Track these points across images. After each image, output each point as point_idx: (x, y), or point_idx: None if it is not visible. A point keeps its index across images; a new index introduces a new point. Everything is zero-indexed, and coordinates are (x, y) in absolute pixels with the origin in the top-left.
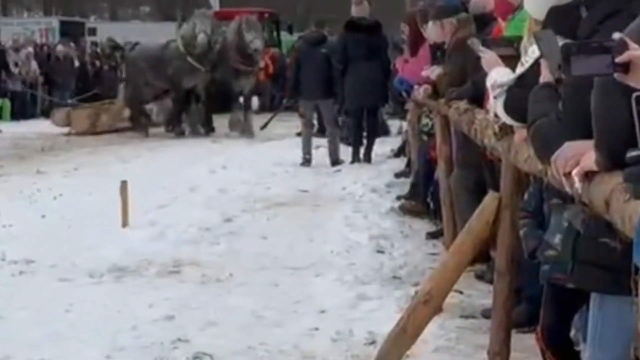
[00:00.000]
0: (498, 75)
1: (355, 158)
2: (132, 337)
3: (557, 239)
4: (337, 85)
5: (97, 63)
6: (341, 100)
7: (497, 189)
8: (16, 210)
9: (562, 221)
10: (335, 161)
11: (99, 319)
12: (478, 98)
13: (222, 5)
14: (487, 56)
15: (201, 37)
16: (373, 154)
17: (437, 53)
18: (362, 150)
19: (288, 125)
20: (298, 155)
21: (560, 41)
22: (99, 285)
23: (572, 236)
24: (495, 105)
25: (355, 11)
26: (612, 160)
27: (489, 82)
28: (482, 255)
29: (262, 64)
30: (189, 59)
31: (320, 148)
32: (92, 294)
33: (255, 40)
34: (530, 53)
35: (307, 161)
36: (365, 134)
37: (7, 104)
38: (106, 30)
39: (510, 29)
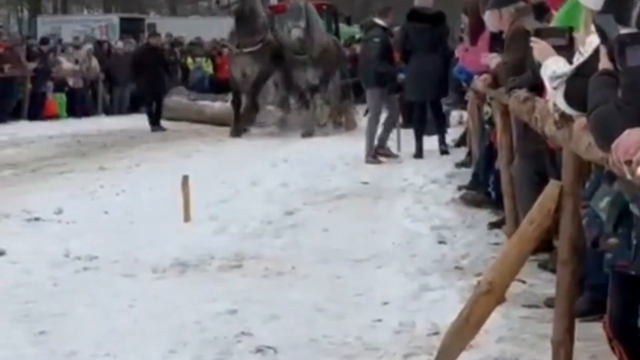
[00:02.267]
0: (555, 66)
1: (418, 153)
2: (196, 332)
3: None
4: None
5: None
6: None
7: (558, 177)
8: (79, 206)
9: (609, 194)
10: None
11: (162, 314)
12: (538, 87)
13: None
14: (540, 46)
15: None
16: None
17: (496, 42)
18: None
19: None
20: (358, 147)
21: (619, 30)
22: (162, 281)
23: (617, 208)
24: (555, 95)
25: (418, 1)
26: None
27: (545, 73)
28: (544, 244)
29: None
30: None
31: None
32: (155, 289)
33: (293, 29)
34: (589, 43)
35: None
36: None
37: (63, 99)
38: (165, 26)
39: (561, 19)
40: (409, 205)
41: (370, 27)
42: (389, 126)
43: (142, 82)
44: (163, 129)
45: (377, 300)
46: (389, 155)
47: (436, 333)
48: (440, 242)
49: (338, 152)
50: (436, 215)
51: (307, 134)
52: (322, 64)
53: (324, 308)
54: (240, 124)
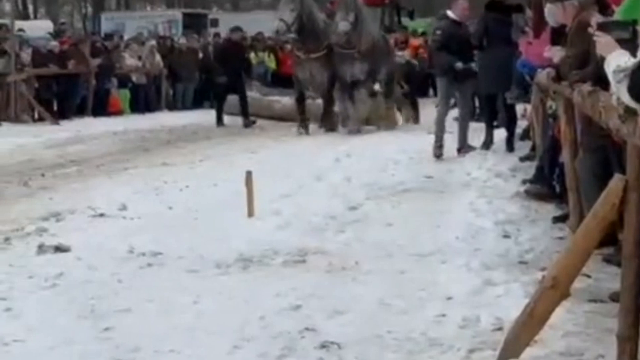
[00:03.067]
0: (618, 60)
1: (488, 145)
2: (260, 327)
3: None
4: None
5: None
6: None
7: (623, 171)
8: (143, 202)
9: None
10: (460, 148)
11: (227, 309)
12: (602, 80)
13: None
14: (604, 40)
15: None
16: (496, 139)
17: (559, 35)
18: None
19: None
20: (422, 141)
21: None
22: (226, 276)
23: None
24: (619, 89)
25: None
26: None
27: (608, 67)
28: (609, 238)
29: None
30: None
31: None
32: (219, 284)
33: (341, 23)
34: None
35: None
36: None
37: (127, 95)
38: (228, 21)
39: (624, 13)
40: (473, 199)
41: (440, 18)
42: (463, 122)
43: (220, 77)
44: (253, 122)
45: (441, 295)
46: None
47: (500, 328)
48: (505, 237)
49: (401, 146)
50: (500, 210)
51: (355, 130)
52: (369, 59)
53: (388, 303)
54: (306, 121)
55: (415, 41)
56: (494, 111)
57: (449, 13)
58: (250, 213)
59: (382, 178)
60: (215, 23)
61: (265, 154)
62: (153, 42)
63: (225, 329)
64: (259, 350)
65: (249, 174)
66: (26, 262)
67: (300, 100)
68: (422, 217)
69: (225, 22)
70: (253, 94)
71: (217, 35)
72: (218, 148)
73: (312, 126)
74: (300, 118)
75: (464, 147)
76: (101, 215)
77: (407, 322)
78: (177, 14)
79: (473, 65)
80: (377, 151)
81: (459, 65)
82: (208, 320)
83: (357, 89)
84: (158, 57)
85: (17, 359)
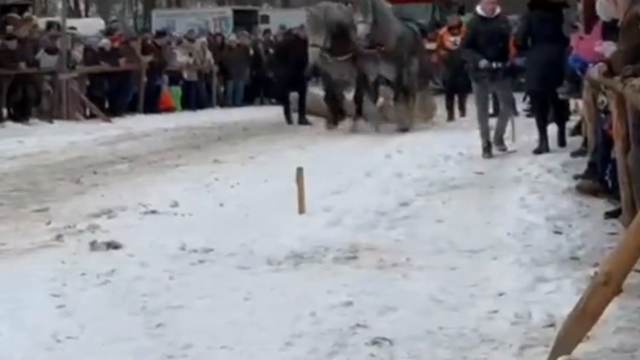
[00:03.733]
0: None
1: (542, 146)
2: (311, 324)
3: None
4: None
5: (271, 51)
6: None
7: None
8: (195, 199)
9: None
10: (498, 143)
11: (278, 306)
12: None
13: None
14: None
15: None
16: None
17: (610, 30)
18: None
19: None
20: (471, 137)
21: None
22: (277, 273)
23: None
24: None
25: None
26: None
27: None
28: None
29: (431, 46)
30: None
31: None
32: (270, 281)
33: (360, 26)
34: None
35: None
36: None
37: (178, 92)
38: (278, 18)
39: None
40: (524, 195)
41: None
42: (500, 121)
43: (284, 73)
44: (308, 123)
45: (492, 291)
46: (505, 150)
47: (552, 325)
48: (556, 232)
49: (452, 142)
50: (552, 205)
51: (377, 128)
52: (395, 57)
53: (440, 299)
54: (336, 116)
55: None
56: (545, 109)
57: (478, 9)
58: (301, 209)
59: (432, 174)
60: (265, 19)
61: (316, 150)
62: (204, 39)
63: (277, 325)
64: (310, 346)
65: (299, 170)
66: (78, 259)
67: (330, 98)
68: (472, 213)
69: (275, 19)
70: (318, 90)
71: (267, 31)
72: (269, 144)
73: (362, 123)
74: (332, 113)
75: (499, 145)
76: (153, 212)
77: (459, 319)
78: (227, 10)
79: (500, 64)
80: (428, 147)
81: (483, 63)
82: (259, 316)
83: (377, 87)
84: (209, 54)
85: (70, 356)
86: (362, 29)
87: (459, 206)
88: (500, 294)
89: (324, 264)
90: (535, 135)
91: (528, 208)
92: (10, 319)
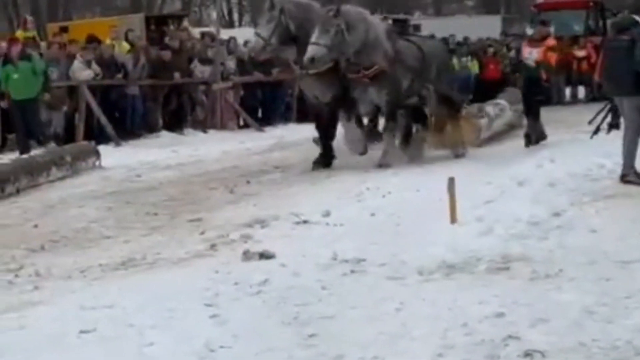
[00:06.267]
0: None
1: None
2: (463, 335)
3: None
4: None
5: None
6: None
7: None
8: (346, 209)
9: None
10: (624, 175)
11: (430, 317)
12: None
13: None
14: None
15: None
16: None
17: None
18: None
19: None
20: None
21: None
22: (428, 283)
23: None
24: None
25: None
26: None
27: None
28: None
29: (582, 54)
30: None
31: None
32: (422, 291)
33: (309, 47)
34: None
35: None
36: None
37: None
38: (430, 26)
39: None
40: None
41: (624, 24)
42: (630, 145)
43: None
44: None
45: None
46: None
47: None
48: None
49: (607, 151)
50: None
51: (364, 153)
52: (387, 81)
53: (593, 311)
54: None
55: (550, 41)
56: None
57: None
58: (453, 219)
59: (585, 183)
60: (417, 28)
61: (466, 159)
62: None
63: (428, 336)
64: (462, 357)
65: (451, 180)
66: (231, 268)
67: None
68: (627, 223)
69: (427, 27)
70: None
71: None
72: None
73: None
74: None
75: (628, 174)
76: (305, 221)
77: (613, 331)
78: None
79: None
80: (581, 156)
81: None
82: (411, 327)
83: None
84: None
85: None
86: (310, 51)
87: (612, 216)
88: None
89: (475, 274)
90: None
91: None
92: (165, 327)
